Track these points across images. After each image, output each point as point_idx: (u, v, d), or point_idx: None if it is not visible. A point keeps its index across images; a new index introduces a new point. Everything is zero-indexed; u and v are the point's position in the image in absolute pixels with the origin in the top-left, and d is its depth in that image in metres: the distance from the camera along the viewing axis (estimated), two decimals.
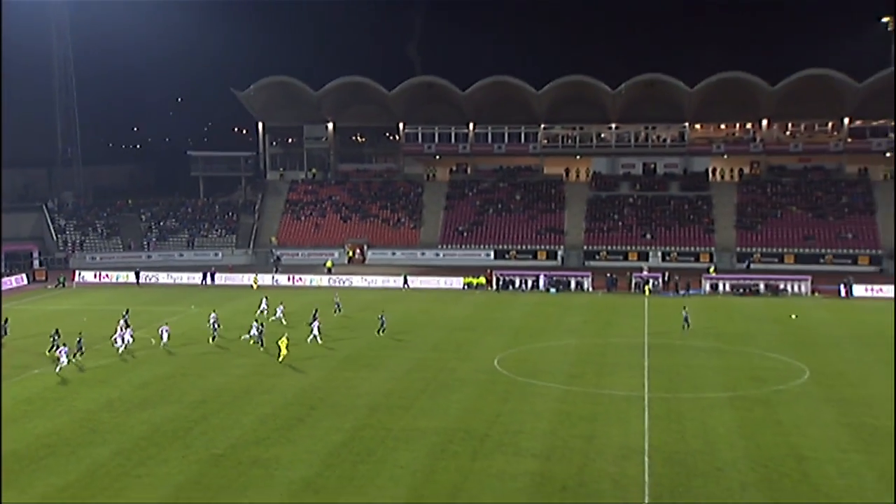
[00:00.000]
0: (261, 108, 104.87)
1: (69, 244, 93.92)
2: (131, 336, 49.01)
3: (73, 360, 44.35)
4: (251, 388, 39.92)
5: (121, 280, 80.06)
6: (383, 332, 52.23)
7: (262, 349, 47.83)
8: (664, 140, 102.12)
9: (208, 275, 79.04)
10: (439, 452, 30.62)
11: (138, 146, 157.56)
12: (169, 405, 37.14)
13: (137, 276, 79.10)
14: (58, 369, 42.83)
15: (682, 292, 70.42)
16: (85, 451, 31.13)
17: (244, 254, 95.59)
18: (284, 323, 55.06)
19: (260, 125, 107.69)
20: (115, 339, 48.53)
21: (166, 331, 49.88)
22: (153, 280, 79.73)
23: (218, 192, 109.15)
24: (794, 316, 57.91)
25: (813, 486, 26.98)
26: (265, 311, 58.69)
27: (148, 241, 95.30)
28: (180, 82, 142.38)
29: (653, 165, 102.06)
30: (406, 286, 74.63)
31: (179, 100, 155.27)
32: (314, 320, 51.08)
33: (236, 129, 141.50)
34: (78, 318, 58.91)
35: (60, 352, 43.84)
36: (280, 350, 45.21)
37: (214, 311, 54.05)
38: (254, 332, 49.65)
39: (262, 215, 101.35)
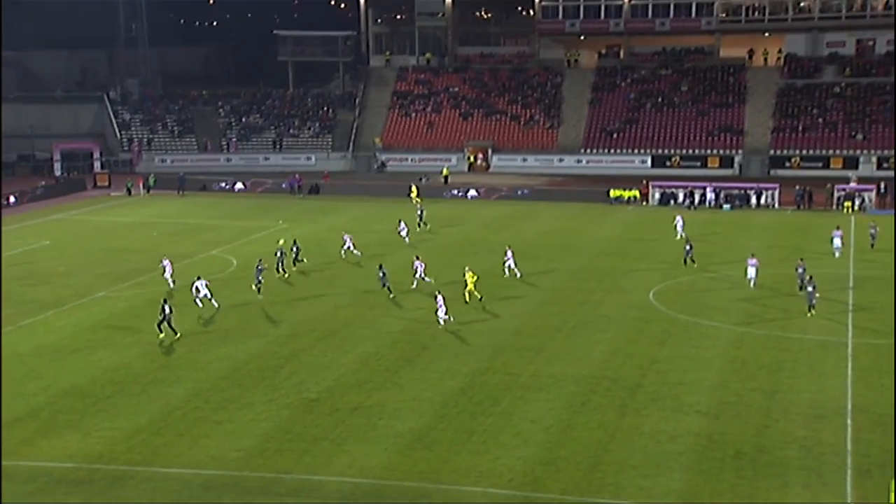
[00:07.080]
0: None
1: (135, 142, 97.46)
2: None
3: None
4: (350, 322, 40.91)
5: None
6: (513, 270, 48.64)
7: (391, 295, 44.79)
8: (889, 6, 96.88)
9: (295, 185, 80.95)
10: (579, 405, 30.79)
11: (215, 23, 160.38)
12: (252, 339, 38.52)
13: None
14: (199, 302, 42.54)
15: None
16: (157, 390, 32.68)
17: (342, 158, 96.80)
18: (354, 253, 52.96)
19: None
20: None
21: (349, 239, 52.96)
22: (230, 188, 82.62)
23: (311, 82, 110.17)
24: None
25: None
26: (351, 248, 53.50)
27: (228, 142, 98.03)
28: None
29: (871, 43, 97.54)
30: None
31: None
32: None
33: (333, 3, 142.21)
34: (147, 232, 61.82)
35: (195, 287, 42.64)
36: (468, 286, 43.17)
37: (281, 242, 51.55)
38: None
39: (364, 110, 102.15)
